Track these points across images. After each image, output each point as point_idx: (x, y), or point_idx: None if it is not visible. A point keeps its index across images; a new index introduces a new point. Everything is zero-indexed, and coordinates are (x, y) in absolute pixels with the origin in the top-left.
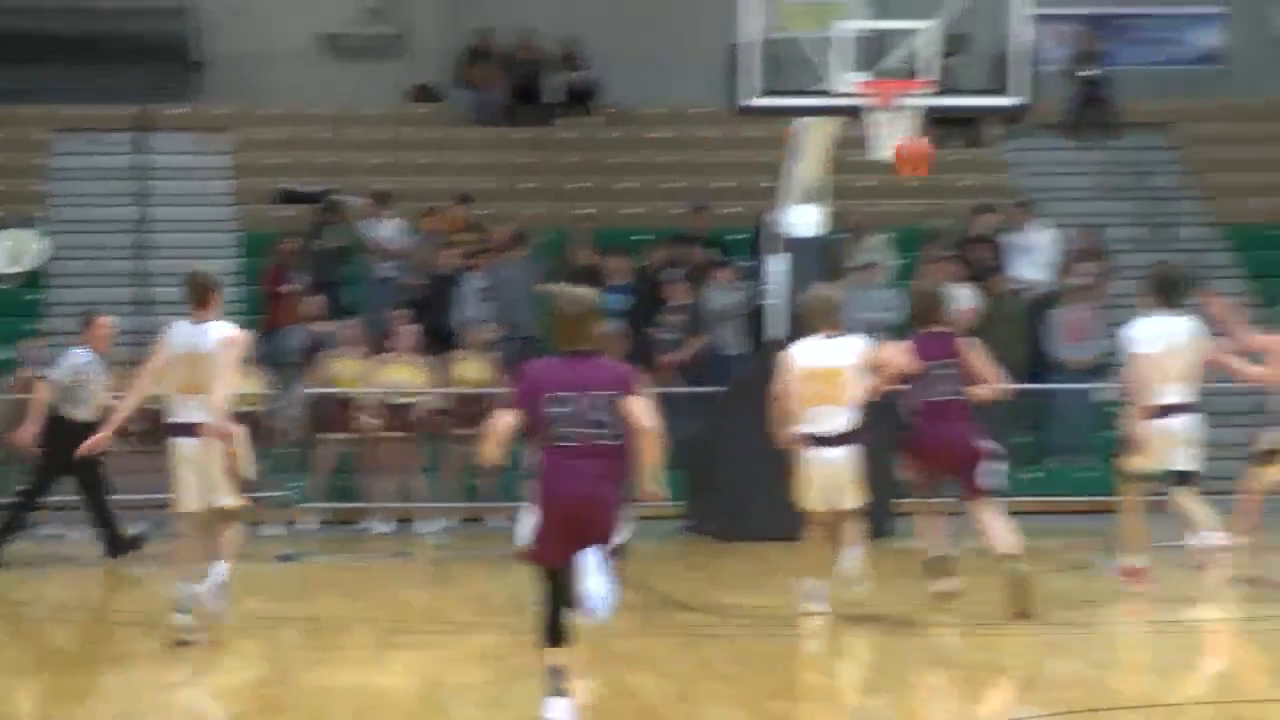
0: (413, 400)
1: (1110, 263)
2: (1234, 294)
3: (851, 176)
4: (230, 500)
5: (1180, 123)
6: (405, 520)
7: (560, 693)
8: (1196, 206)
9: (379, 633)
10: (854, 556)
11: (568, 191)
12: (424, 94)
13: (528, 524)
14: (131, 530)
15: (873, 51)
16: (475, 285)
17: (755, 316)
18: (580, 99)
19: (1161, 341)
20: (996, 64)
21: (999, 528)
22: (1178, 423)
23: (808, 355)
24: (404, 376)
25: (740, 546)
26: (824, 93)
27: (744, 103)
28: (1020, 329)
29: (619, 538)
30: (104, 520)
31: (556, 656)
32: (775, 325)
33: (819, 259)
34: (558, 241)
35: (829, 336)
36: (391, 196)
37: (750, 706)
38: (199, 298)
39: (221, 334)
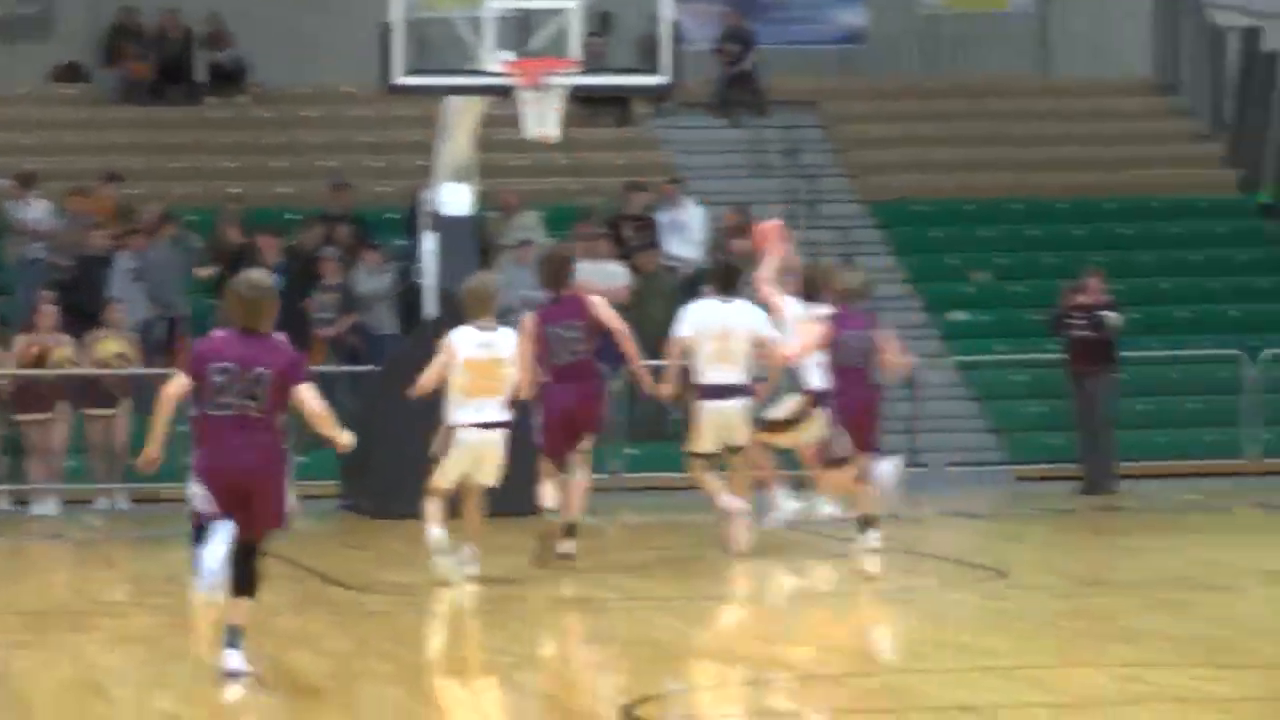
0: (55, 379)
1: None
2: (881, 270)
3: (503, 155)
4: None
5: (826, 101)
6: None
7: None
8: (844, 184)
9: (33, 615)
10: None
11: (217, 170)
12: (70, 73)
13: (196, 486)
14: None
15: (521, 31)
16: (125, 266)
17: (410, 294)
18: (228, 78)
19: (713, 325)
20: (643, 43)
21: (574, 488)
22: (731, 404)
23: (468, 345)
24: (56, 355)
25: (396, 524)
26: (473, 72)
27: (393, 82)
28: (674, 306)
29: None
30: None
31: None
32: (429, 304)
33: (470, 238)
34: (207, 221)
35: (486, 327)
36: (37, 177)
37: (409, 684)
38: None
39: None
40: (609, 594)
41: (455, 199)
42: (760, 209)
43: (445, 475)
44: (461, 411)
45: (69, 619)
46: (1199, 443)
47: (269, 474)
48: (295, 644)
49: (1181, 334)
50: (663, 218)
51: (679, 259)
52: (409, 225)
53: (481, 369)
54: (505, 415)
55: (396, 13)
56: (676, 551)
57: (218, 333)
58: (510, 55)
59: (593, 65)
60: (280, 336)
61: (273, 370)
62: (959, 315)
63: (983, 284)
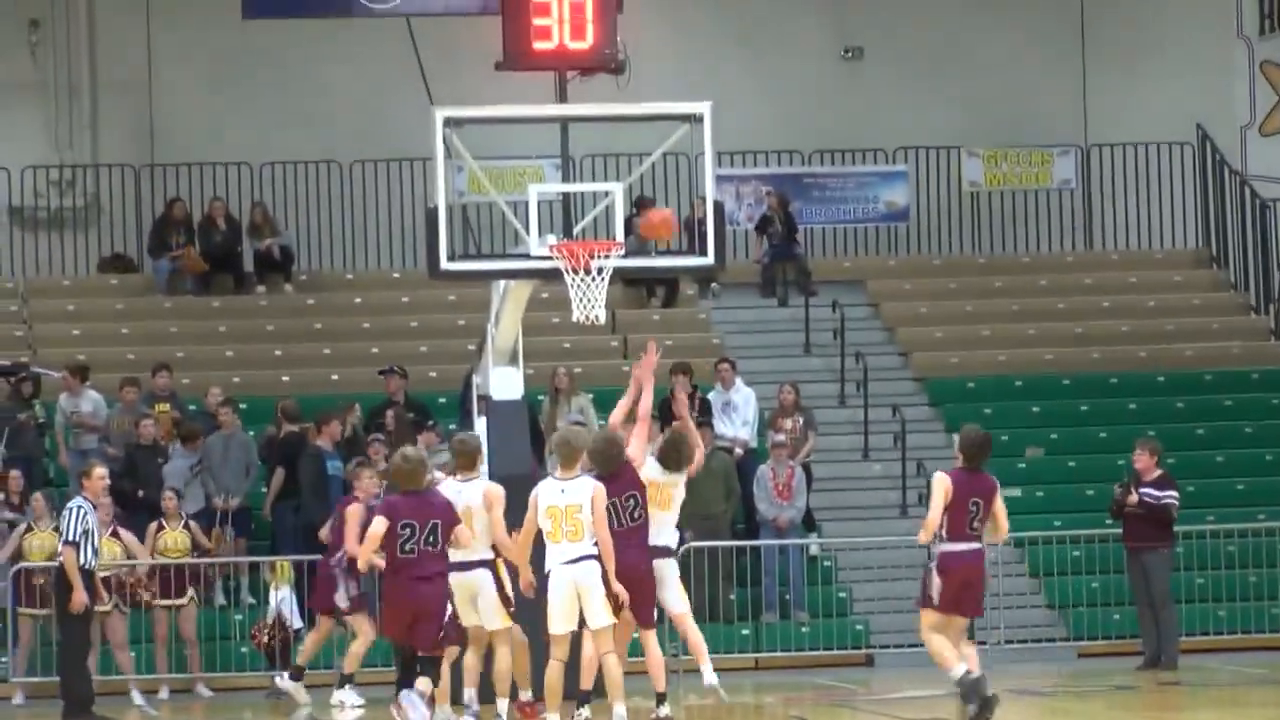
0: (114, 573)
1: (811, 419)
2: (936, 448)
3: (555, 338)
4: None
5: (873, 279)
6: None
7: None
8: (895, 361)
9: None
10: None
11: (267, 359)
12: (117, 263)
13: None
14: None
15: (567, 213)
16: (181, 455)
17: None
18: (275, 266)
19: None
20: (689, 224)
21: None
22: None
23: (548, 495)
24: (106, 549)
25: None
26: (520, 255)
27: (440, 267)
28: (730, 485)
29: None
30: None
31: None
32: None
33: (522, 422)
34: (258, 409)
35: (566, 476)
36: (88, 368)
37: None
38: None
39: None
40: None
41: (505, 383)
42: (810, 388)
43: (553, 620)
44: (549, 555)
45: None
46: (1260, 616)
47: (438, 603)
48: None
49: (1238, 506)
50: (715, 398)
51: (731, 439)
52: (459, 409)
53: (561, 515)
54: (592, 550)
55: (441, 198)
56: None
57: (393, 497)
58: (556, 238)
59: (638, 247)
60: (435, 490)
61: (442, 520)
62: (1013, 491)
63: (1036, 460)
